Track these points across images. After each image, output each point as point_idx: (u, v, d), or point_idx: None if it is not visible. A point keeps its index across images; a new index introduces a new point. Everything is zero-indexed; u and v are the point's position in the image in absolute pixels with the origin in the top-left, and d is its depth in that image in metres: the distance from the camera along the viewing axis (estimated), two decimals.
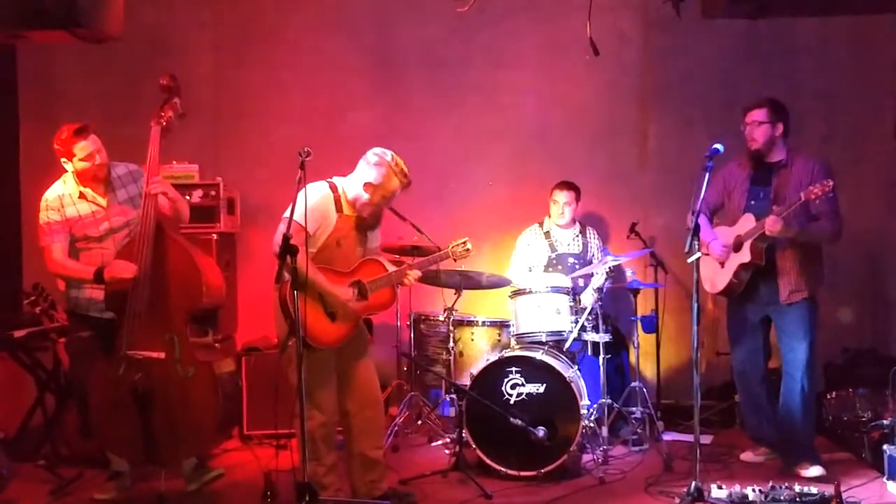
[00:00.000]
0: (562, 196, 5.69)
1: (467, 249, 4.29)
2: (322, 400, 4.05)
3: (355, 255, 4.16)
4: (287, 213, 3.82)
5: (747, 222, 4.64)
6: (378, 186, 4.10)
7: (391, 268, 4.20)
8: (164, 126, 4.32)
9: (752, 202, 4.73)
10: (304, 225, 3.87)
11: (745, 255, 4.62)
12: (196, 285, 4.22)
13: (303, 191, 3.88)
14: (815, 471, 4.54)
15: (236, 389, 5.29)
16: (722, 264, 4.77)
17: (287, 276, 3.72)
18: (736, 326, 4.93)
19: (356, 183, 4.14)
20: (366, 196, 4.11)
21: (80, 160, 4.30)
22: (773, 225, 4.43)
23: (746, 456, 5.01)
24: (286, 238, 3.64)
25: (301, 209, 3.82)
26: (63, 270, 4.33)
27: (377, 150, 4.17)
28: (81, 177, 4.35)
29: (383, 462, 4.29)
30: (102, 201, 4.39)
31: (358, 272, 4.12)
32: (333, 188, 4.13)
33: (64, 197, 4.35)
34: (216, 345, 4.62)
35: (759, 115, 4.67)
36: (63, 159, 4.34)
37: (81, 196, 4.36)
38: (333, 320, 4.03)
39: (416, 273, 4.23)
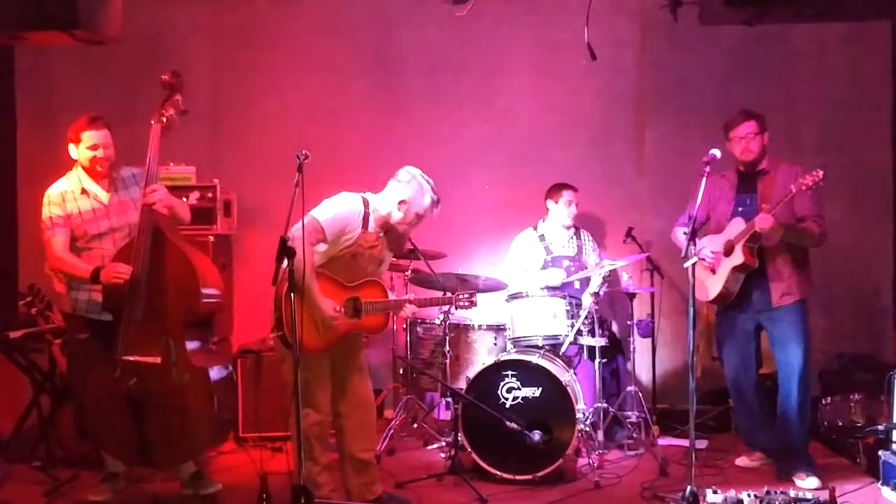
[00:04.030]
0: (571, 195, 5.71)
1: (472, 302, 4.40)
2: (316, 399, 4.05)
3: (364, 274, 4.15)
4: (314, 213, 3.91)
5: (737, 226, 4.66)
6: (412, 203, 4.12)
7: (392, 296, 4.22)
8: (165, 124, 4.27)
9: (740, 209, 4.75)
10: (321, 229, 3.94)
11: (737, 258, 4.62)
12: (194, 290, 4.18)
13: (335, 196, 4.02)
14: (812, 482, 4.52)
15: (233, 394, 5.28)
16: (713, 271, 4.78)
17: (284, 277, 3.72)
18: (727, 335, 4.92)
19: (390, 200, 4.15)
20: (399, 214, 4.13)
21: (86, 147, 4.30)
22: (763, 221, 4.45)
23: (741, 461, 5.02)
24: (283, 240, 3.64)
25: (327, 213, 3.96)
26: (63, 265, 4.31)
27: (408, 168, 4.21)
28: (83, 166, 4.35)
29: (375, 464, 4.30)
30: (104, 198, 4.38)
31: (359, 289, 4.11)
32: (365, 204, 4.14)
33: (66, 193, 4.34)
34: (212, 347, 4.61)
35: (751, 127, 4.71)
36: (70, 144, 4.35)
37: (84, 192, 4.35)
38: (324, 328, 4.02)
39: (414, 308, 4.25)
